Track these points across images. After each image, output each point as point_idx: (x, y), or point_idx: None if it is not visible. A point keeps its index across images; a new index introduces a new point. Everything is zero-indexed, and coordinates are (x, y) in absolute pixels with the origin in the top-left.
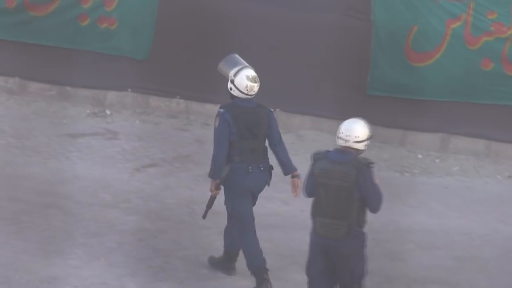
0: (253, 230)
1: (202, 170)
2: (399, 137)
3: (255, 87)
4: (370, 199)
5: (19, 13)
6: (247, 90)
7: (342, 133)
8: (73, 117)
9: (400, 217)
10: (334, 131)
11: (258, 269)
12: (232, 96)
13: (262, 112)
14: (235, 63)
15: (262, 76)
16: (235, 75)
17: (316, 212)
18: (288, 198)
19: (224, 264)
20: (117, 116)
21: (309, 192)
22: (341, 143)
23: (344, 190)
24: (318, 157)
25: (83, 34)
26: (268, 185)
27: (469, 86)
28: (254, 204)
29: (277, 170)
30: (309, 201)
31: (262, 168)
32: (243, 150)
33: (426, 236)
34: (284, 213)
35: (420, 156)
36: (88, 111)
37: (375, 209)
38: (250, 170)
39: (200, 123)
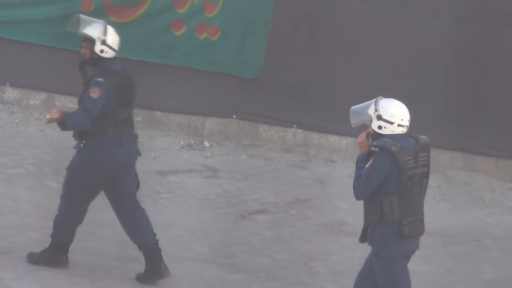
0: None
1: (324, 218)
2: None
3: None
4: None
5: (98, 18)
6: (117, 46)
7: (402, 120)
8: (163, 150)
9: None
10: (490, 172)
11: None
12: (98, 60)
13: (132, 72)
14: (91, 22)
15: (398, 99)
16: (105, 33)
17: (402, 214)
18: (431, 255)
19: (54, 257)
20: (218, 149)
21: (370, 192)
22: (403, 130)
23: (426, 175)
24: (397, 150)
25: (177, 45)
26: (140, 155)
27: None
28: (138, 184)
29: None
30: (460, 258)
31: (133, 138)
32: (117, 121)
33: None
34: (426, 273)
35: None
36: (182, 143)
37: None
38: (123, 143)
39: (322, 159)
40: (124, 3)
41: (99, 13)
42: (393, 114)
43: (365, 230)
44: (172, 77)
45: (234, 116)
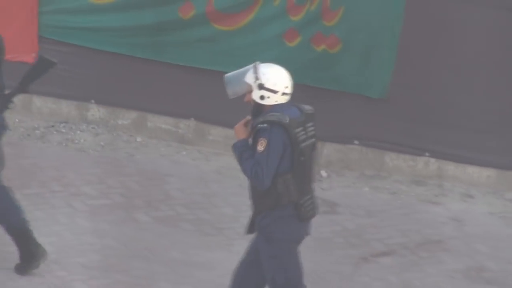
0: None
1: (460, 263)
2: None
3: None
4: None
5: (199, 26)
6: None
7: (287, 87)
8: None
9: None
10: None
11: None
12: None
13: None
14: None
15: None
16: None
17: (299, 193)
18: None
19: (32, 257)
20: (337, 180)
21: (273, 174)
22: (287, 99)
23: (314, 146)
24: (288, 122)
25: (290, 58)
26: (9, 130)
27: None
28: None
29: None
30: None
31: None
32: None
33: None
34: None
35: None
36: None
37: None
38: None
39: (459, 194)
40: (229, 8)
41: (201, 20)
42: (277, 82)
43: (253, 220)
44: None
45: (356, 142)
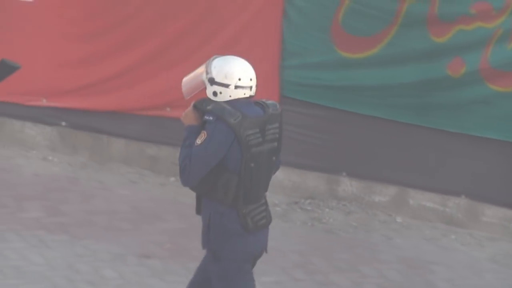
0: None
1: None
2: None
3: None
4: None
5: (471, 85)
6: None
7: (240, 79)
8: None
9: None
10: None
11: None
12: None
13: None
14: None
15: None
16: None
17: (242, 200)
18: None
19: None
20: None
21: (202, 175)
22: (245, 93)
23: (275, 151)
24: (237, 121)
25: None
26: None
27: None
28: None
29: None
30: None
31: None
32: None
33: None
34: None
35: None
36: None
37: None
38: None
39: None
40: (508, 65)
41: (474, 79)
42: (227, 74)
43: (199, 200)
44: None
45: None
